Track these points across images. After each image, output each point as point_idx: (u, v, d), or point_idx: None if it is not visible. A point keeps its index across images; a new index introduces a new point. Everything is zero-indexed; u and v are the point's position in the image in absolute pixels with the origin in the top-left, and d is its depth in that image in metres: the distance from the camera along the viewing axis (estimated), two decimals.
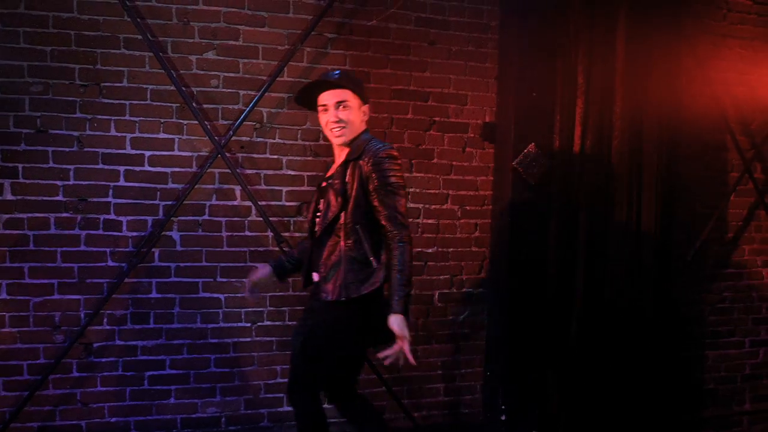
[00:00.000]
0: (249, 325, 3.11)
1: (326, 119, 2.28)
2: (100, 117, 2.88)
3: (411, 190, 3.25)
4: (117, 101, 2.89)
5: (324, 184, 2.32)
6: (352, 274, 2.20)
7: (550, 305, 3.20)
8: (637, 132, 3.20)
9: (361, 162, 2.21)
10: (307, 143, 3.12)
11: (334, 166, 2.35)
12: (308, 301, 2.49)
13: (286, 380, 3.08)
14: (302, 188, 3.12)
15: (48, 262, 2.86)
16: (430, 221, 3.29)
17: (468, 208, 3.34)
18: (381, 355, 2.22)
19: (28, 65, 2.79)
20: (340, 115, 2.26)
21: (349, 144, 2.29)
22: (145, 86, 2.92)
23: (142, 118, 2.93)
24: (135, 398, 3.00)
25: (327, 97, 2.28)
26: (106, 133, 2.90)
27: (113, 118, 2.90)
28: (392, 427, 3.27)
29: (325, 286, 2.23)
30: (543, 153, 3.12)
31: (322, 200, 2.30)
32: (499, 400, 3.25)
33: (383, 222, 2.19)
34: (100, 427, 2.97)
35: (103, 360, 2.95)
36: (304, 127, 3.11)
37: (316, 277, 2.33)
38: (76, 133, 2.86)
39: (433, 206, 3.30)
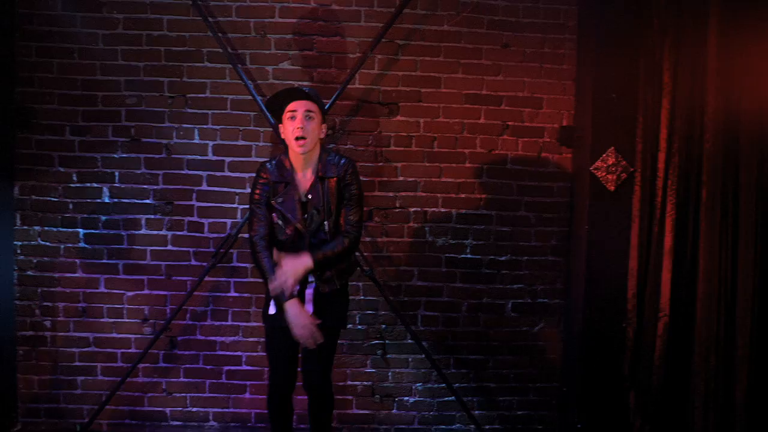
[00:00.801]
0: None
1: (293, 126, 2.39)
2: (185, 126, 3.11)
3: (483, 196, 3.19)
4: (200, 111, 3.10)
5: (303, 199, 2.45)
6: (344, 267, 2.55)
7: (631, 320, 3.00)
8: (733, 133, 2.91)
9: (333, 180, 2.46)
10: (378, 149, 3.16)
11: (303, 180, 2.47)
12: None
13: (359, 382, 3.21)
14: (374, 193, 3.15)
15: (140, 260, 3.13)
16: (503, 228, 3.20)
17: (544, 215, 3.21)
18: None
19: (124, 80, 3.07)
20: (306, 125, 2.39)
21: (308, 154, 2.44)
22: (225, 96, 3.10)
23: (223, 127, 3.12)
24: (213, 390, 3.19)
25: (297, 105, 2.40)
26: (191, 141, 3.11)
27: (197, 126, 3.11)
28: None
29: (323, 282, 2.49)
30: (623, 157, 2.93)
31: (307, 213, 2.45)
32: (575, 418, 3.09)
33: (345, 224, 2.49)
34: (182, 415, 3.18)
35: (186, 353, 3.17)
36: (375, 132, 3.15)
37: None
38: (164, 141, 3.11)
39: (506, 213, 3.20)
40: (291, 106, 2.40)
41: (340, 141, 3.13)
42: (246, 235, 3.11)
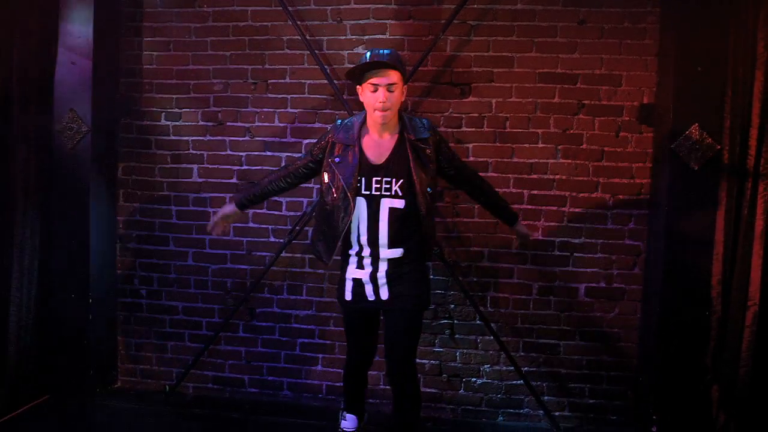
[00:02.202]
0: None
1: (375, 99, 2.32)
2: (266, 110, 3.30)
3: (557, 177, 3.12)
4: (280, 96, 3.28)
5: (377, 162, 2.38)
6: (426, 242, 2.50)
7: (715, 309, 2.81)
8: None
9: (430, 140, 2.42)
10: (450, 129, 3.17)
11: (379, 143, 2.40)
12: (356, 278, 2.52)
13: (427, 361, 3.23)
14: None
15: (223, 236, 3.33)
16: (577, 210, 3.11)
17: (621, 197, 3.08)
18: None
19: (213, 68, 3.31)
20: (389, 98, 2.33)
21: (389, 125, 2.40)
22: (303, 81, 3.26)
23: (300, 110, 3.28)
24: (288, 361, 3.35)
25: (380, 78, 2.32)
26: (271, 124, 3.30)
27: (277, 110, 3.29)
28: (529, 425, 3.17)
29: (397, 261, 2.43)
30: (708, 134, 2.76)
31: (387, 178, 2.37)
32: (650, 410, 2.94)
33: (469, 174, 2.62)
34: (258, 384, 3.37)
35: (264, 324, 3.35)
36: (446, 113, 3.18)
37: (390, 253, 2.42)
38: (247, 125, 3.31)
39: (581, 194, 3.11)
40: (373, 79, 2.31)
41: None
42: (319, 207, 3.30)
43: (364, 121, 2.45)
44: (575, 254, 3.13)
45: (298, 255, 3.30)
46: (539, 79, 3.11)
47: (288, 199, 3.29)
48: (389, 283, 2.43)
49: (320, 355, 3.33)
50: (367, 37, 3.20)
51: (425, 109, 3.18)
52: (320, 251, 2.53)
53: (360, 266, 2.46)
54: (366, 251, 2.43)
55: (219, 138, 3.33)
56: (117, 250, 3.44)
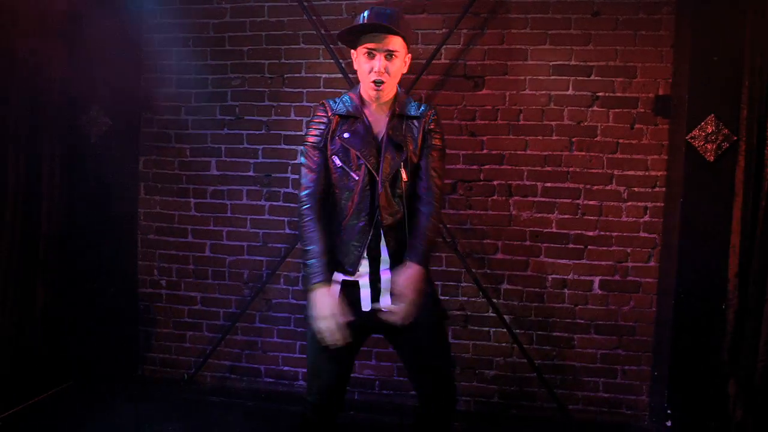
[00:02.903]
0: None
1: (370, 67, 1.95)
2: (283, 104, 3.35)
3: (571, 169, 3.11)
4: (296, 90, 3.33)
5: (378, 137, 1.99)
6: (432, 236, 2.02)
7: (732, 302, 2.76)
8: None
9: (419, 119, 2.03)
10: (462, 122, 3.18)
11: (376, 115, 2.02)
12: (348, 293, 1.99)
13: None
14: (458, 166, 3.18)
15: (240, 228, 3.42)
16: (591, 203, 3.09)
17: (636, 189, 3.05)
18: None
19: (230, 63, 3.38)
20: (389, 67, 1.94)
21: (386, 100, 2.02)
22: (319, 75, 3.30)
23: (316, 104, 3.29)
24: (303, 352, 3.38)
25: (377, 43, 1.92)
26: (287, 118, 3.35)
27: (293, 104, 3.34)
28: (542, 418, 3.16)
29: (410, 258, 1.96)
30: (725, 125, 2.72)
31: (382, 159, 1.96)
32: (665, 404, 2.91)
33: (429, 183, 2.02)
34: (274, 373, 3.42)
35: (279, 315, 3.40)
36: (459, 106, 3.19)
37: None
38: (264, 119, 3.37)
39: (595, 187, 3.09)
40: (369, 44, 1.93)
41: None
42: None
43: (359, 93, 2.07)
44: (589, 247, 3.11)
45: None
46: (553, 71, 3.10)
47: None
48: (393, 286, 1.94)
49: None
50: None
51: (438, 102, 3.19)
52: (343, 263, 1.98)
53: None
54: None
55: (236, 132, 3.39)
56: (138, 242, 3.53)
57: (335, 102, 2.06)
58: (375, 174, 1.95)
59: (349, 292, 1.97)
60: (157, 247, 3.51)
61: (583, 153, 3.10)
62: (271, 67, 3.34)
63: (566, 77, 3.09)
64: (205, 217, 3.45)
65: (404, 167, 1.98)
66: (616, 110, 3.06)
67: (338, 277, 2.00)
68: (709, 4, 2.78)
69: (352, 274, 1.98)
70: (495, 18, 3.12)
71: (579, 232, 3.11)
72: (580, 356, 3.14)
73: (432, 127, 2.05)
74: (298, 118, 3.33)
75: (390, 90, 2.01)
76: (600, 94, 3.07)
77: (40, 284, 3.27)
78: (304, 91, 3.32)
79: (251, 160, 3.39)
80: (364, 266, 1.99)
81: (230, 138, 3.41)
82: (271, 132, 3.36)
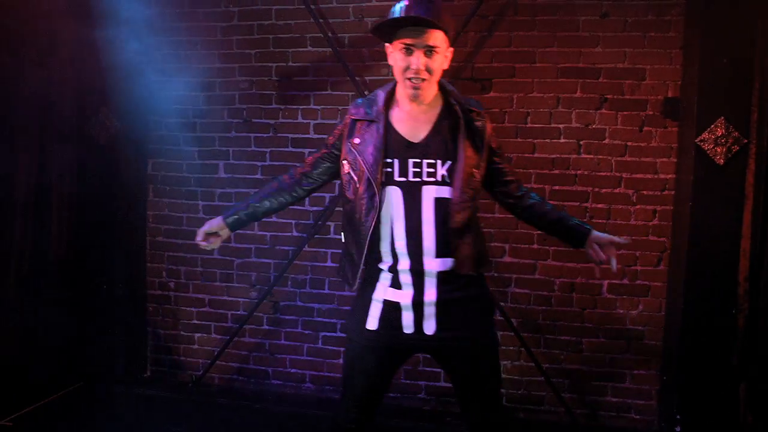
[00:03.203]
0: None
1: (407, 64, 1.76)
2: (290, 107, 3.35)
3: (579, 172, 3.09)
4: (303, 93, 3.33)
5: (412, 141, 1.81)
6: (481, 245, 1.90)
7: (742, 306, 2.74)
8: None
9: (479, 120, 1.86)
10: None
11: (411, 115, 1.84)
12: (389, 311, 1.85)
13: None
14: None
15: (248, 230, 3.41)
16: (599, 206, 3.07)
17: (645, 192, 3.03)
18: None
19: (238, 66, 3.39)
20: (429, 64, 1.75)
21: (425, 98, 1.83)
22: (326, 78, 3.30)
23: (323, 107, 3.32)
24: (311, 354, 3.40)
25: (416, 38, 1.74)
26: (295, 121, 3.35)
27: (301, 107, 3.34)
28: (549, 422, 3.15)
29: (457, 267, 1.81)
30: (735, 128, 2.70)
31: (429, 159, 1.79)
32: (674, 410, 2.89)
33: (514, 181, 1.96)
34: (282, 375, 3.43)
35: (287, 317, 3.41)
36: None
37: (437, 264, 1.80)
38: (271, 122, 3.38)
39: (604, 190, 3.07)
40: (406, 38, 1.74)
41: None
42: (341, 209, 3.34)
43: (392, 91, 1.90)
44: None
45: (321, 249, 3.34)
46: (561, 73, 3.08)
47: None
48: (440, 311, 1.80)
49: (342, 349, 3.34)
50: None
51: None
52: (346, 271, 1.91)
53: (396, 285, 1.83)
54: (404, 263, 1.81)
55: (244, 134, 3.41)
56: (147, 244, 3.55)
57: (361, 101, 1.94)
58: (374, 184, 1.78)
59: (391, 312, 1.83)
60: (166, 249, 3.53)
61: (591, 156, 3.08)
62: (279, 70, 3.35)
63: (574, 79, 3.07)
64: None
65: (467, 175, 1.80)
66: (625, 113, 3.03)
67: (379, 295, 1.85)
68: (719, 6, 2.76)
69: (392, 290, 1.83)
70: (502, 20, 3.11)
71: None
72: (588, 360, 3.12)
73: (490, 131, 1.89)
74: (305, 121, 3.33)
75: (430, 89, 1.82)
76: (608, 96, 3.04)
77: (51, 286, 3.30)
78: (312, 94, 3.33)
79: (259, 163, 3.40)
80: (407, 286, 1.81)
81: (238, 141, 3.42)
82: (279, 135, 3.37)
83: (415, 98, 1.81)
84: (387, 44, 1.86)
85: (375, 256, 1.84)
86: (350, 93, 3.26)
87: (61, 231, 3.32)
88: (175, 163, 3.49)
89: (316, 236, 3.30)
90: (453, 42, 1.86)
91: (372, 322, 1.84)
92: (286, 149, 3.37)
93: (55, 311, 3.30)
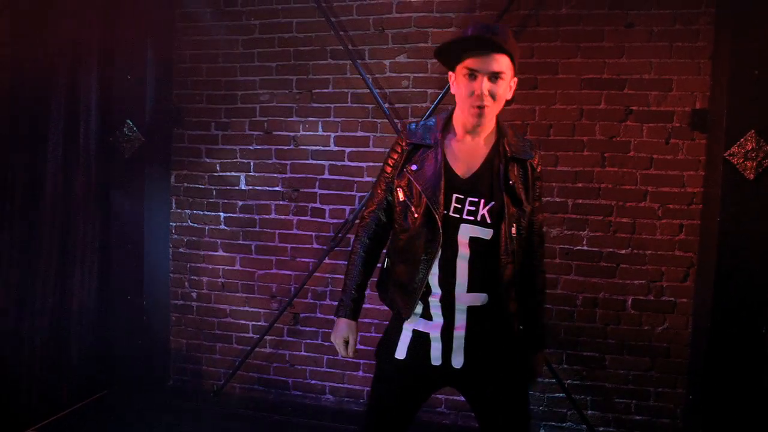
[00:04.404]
0: None
1: (470, 89, 1.71)
2: (310, 119, 3.36)
3: (602, 185, 3.02)
4: (324, 105, 3.33)
5: (465, 176, 1.78)
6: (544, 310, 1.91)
7: None
8: None
9: (529, 161, 1.80)
10: None
11: (465, 147, 1.81)
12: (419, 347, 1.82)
13: None
14: None
15: (269, 242, 3.45)
16: (624, 220, 3.01)
17: (671, 206, 2.95)
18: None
19: (259, 79, 3.41)
20: (493, 90, 1.70)
21: (485, 128, 1.79)
22: (346, 90, 3.30)
23: (343, 119, 3.32)
24: (330, 366, 3.40)
25: (481, 63, 1.68)
26: (315, 133, 3.36)
27: (321, 119, 3.35)
28: None
29: (490, 303, 1.77)
30: (766, 142, 2.60)
31: (472, 198, 1.75)
32: (700, 430, 2.81)
33: (536, 237, 1.87)
34: (301, 386, 3.44)
35: (307, 329, 3.42)
36: None
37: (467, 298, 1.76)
38: (292, 134, 3.39)
39: (628, 204, 3.00)
40: (471, 62, 1.69)
41: None
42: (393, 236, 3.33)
43: (449, 119, 1.86)
44: (621, 265, 3.02)
45: (341, 262, 3.34)
46: (584, 85, 3.02)
47: (331, 206, 3.35)
48: (468, 345, 1.77)
49: (361, 361, 3.36)
50: (408, 45, 3.20)
51: None
52: (397, 302, 1.84)
53: (427, 316, 1.81)
54: (435, 294, 1.79)
55: (265, 147, 3.43)
56: (170, 255, 3.60)
57: (415, 126, 1.88)
58: (435, 213, 1.73)
59: (420, 343, 1.81)
60: (188, 260, 3.58)
61: (616, 169, 3.01)
62: (300, 83, 3.36)
63: (598, 91, 3.01)
64: (234, 231, 3.50)
65: (511, 218, 1.74)
66: (651, 125, 2.96)
67: (409, 324, 1.83)
68: (749, 15, 2.66)
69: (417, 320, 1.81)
70: (524, 31, 3.06)
71: (611, 250, 3.03)
72: (611, 377, 3.06)
73: (539, 173, 1.84)
74: (325, 134, 3.33)
75: (492, 118, 1.78)
76: (634, 108, 2.98)
77: (76, 296, 3.36)
78: (332, 106, 3.33)
79: (279, 175, 3.42)
80: (438, 317, 1.79)
81: (259, 153, 3.44)
82: (300, 147, 3.38)
83: (476, 125, 1.76)
84: (450, 72, 1.82)
85: (409, 285, 1.81)
86: (371, 105, 3.26)
87: (86, 241, 3.38)
88: (197, 175, 3.53)
89: (336, 248, 3.30)
90: (518, 71, 1.80)
91: (401, 352, 1.83)
92: (307, 161, 3.37)
93: (79, 321, 3.37)
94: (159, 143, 3.46)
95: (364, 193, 3.27)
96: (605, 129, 3.02)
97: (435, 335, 1.78)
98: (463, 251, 1.75)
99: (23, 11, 2.95)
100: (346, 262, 3.28)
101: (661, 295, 3.00)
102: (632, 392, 3.04)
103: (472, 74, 1.71)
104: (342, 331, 1.94)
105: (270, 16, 3.37)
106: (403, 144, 1.85)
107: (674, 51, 2.92)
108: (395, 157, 1.87)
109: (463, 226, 1.75)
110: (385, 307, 1.95)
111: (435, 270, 1.76)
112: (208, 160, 3.51)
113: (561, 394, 3.07)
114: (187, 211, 3.56)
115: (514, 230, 1.75)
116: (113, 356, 3.46)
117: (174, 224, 3.59)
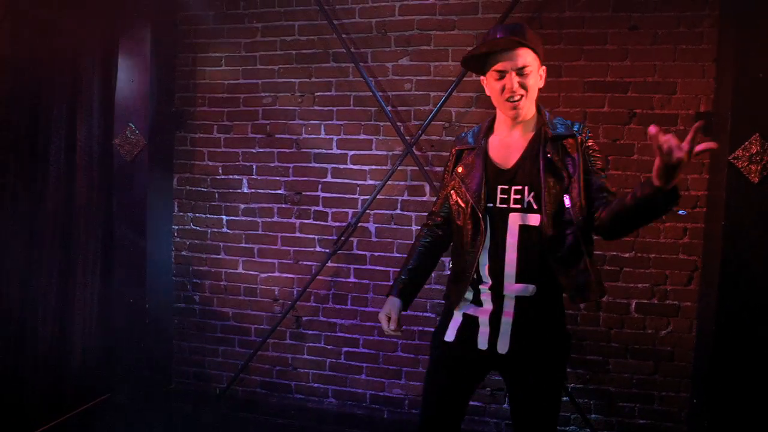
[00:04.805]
0: (434, 315, 3.26)
1: (501, 86, 1.84)
2: (313, 122, 3.35)
3: None
4: (326, 108, 3.33)
5: (505, 167, 1.87)
6: (583, 276, 1.82)
7: None
8: None
9: (571, 140, 1.84)
10: None
11: (508, 142, 1.91)
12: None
13: None
14: None
15: (271, 245, 3.44)
16: None
17: (675, 209, 2.95)
18: None
19: (261, 82, 3.40)
20: (523, 82, 1.82)
21: (525, 120, 1.89)
22: (348, 93, 3.29)
23: (346, 122, 3.31)
24: (333, 369, 3.40)
25: (507, 62, 1.81)
26: (317, 136, 3.35)
27: (323, 123, 3.34)
28: None
29: (539, 294, 1.83)
30: None
31: (516, 186, 1.83)
32: None
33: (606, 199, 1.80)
34: (304, 390, 3.44)
35: (309, 332, 3.41)
36: None
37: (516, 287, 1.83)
38: (295, 137, 3.38)
39: None
40: (497, 65, 1.82)
41: (457, 133, 3.17)
42: (366, 224, 3.33)
43: (492, 121, 2.00)
44: (625, 269, 3.01)
45: (344, 265, 3.34)
46: (587, 88, 3.01)
47: (334, 210, 3.34)
48: (515, 331, 1.83)
49: (364, 365, 3.36)
50: (411, 48, 3.19)
51: (470, 120, 3.14)
52: (450, 291, 1.98)
53: (477, 302, 1.90)
54: (485, 283, 1.88)
55: (267, 150, 3.42)
56: (172, 258, 3.60)
57: (465, 134, 2.06)
58: (478, 209, 1.85)
59: (469, 326, 1.90)
60: (191, 263, 3.57)
61: (620, 172, 3.00)
62: (302, 86, 3.35)
63: (602, 94, 3.00)
64: (236, 234, 3.49)
65: (556, 197, 1.80)
66: None
67: (459, 311, 1.94)
68: (754, 18, 2.65)
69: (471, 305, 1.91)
70: None
71: (614, 253, 3.02)
72: (615, 381, 3.05)
73: (590, 144, 1.86)
74: (328, 137, 3.33)
75: (529, 107, 1.88)
76: (637, 110, 2.96)
77: (78, 299, 3.37)
78: (335, 109, 3.32)
79: (282, 179, 3.41)
80: (487, 303, 1.88)
81: (261, 156, 3.43)
82: (302, 150, 3.37)
83: (515, 117, 1.87)
84: (482, 77, 1.94)
85: (463, 272, 1.92)
86: (373, 108, 3.25)
87: (88, 244, 3.37)
88: (199, 177, 3.53)
89: (339, 252, 3.30)
90: (544, 61, 1.90)
91: (450, 335, 1.94)
92: (309, 164, 3.37)
93: (82, 325, 3.37)
94: (161, 146, 3.46)
95: (367, 196, 3.27)
96: (609, 132, 3.01)
97: (483, 319, 1.88)
98: (512, 240, 1.83)
99: (24, 16, 2.95)
100: (348, 266, 3.33)
101: (665, 298, 2.99)
102: (636, 396, 3.03)
103: (501, 74, 1.84)
104: (385, 306, 2.05)
105: (272, 19, 3.37)
106: (453, 151, 2.04)
107: (678, 53, 2.91)
108: (448, 164, 2.06)
109: (512, 216, 1.83)
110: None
111: (485, 260, 1.86)
112: (210, 163, 3.51)
113: (564, 398, 3.06)
114: (190, 214, 3.56)
115: (567, 205, 1.78)
116: (116, 359, 3.45)
117: (176, 227, 3.58)
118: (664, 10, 2.91)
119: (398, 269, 3.17)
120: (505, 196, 1.84)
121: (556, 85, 3.04)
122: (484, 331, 1.86)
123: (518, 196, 1.83)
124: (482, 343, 1.86)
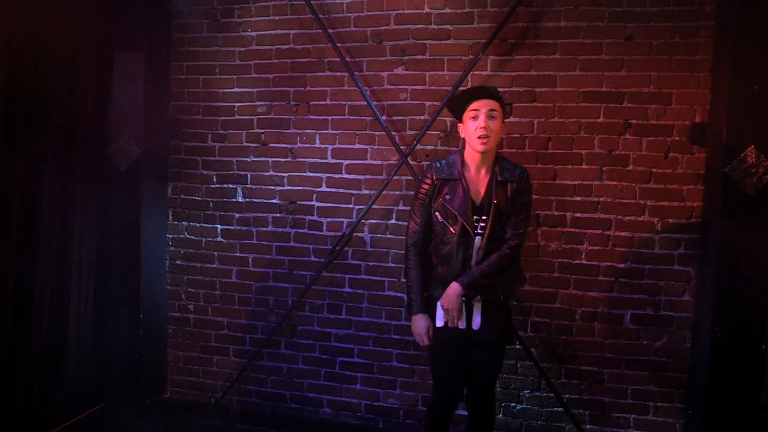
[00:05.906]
0: None
1: (476, 125, 2.37)
2: (308, 131, 3.34)
3: (601, 199, 3.01)
4: (321, 117, 3.32)
5: (475, 198, 2.44)
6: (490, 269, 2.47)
7: None
8: None
9: (516, 180, 2.44)
10: None
11: (476, 179, 2.44)
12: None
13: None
14: None
15: (266, 254, 3.43)
16: (622, 234, 2.99)
17: (670, 220, 2.94)
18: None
19: (256, 91, 3.39)
20: (489, 124, 2.36)
21: (487, 154, 2.42)
22: (343, 103, 3.28)
23: (341, 131, 3.30)
24: (328, 379, 3.39)
25: (480, 104, 2.38)
26: (312, 145, 3.34)
27: (318, 132, 3.33)
28: None
29: (493, 290, 2.47)
30: (766, 157, 2.59)
31: (483, 216, 2.41)
32: None
33: (515, 231, 2.45)
34: (299, 399, 3.43)
35: (304, 342, 3.41)
36: None
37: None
38: (289, 146, 3.37)
39: (627, 218, 2.98)
40: (474, 105, 2.39)
41: (452, 143, 3.16)
42: (361, 234, 3.32)
43: (462, 157, 2.48)
44: (620, 279, 3.01)
45: (339, 275, 3.33)
46: (583, 98, 3.00)
47: (328, 219, 3.33)
48: (483, 310, 2.46)
49: (359, 374, 3.35)
50: (406, 57, 3.18)
51: None
52: (437, 291, 2.48)
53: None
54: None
55: (262, 159, 3.41)
56: (167, 267, 3.58)
57: (440, 164, 2.49)
58: (469, 228, 2.40)
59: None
60: (185, 272, 3.56)
61: (615, 182, 3.00)
62: (297, 95, 3.34)
63: (597, 104, 2.99)
64: (231, 244, 3.48)
65: (500, 223, 2.43)
66: (650, 138, 2.94)
67: (440, 303, 2.48)
68: (750, 29, 2.65)
69: None
70: (523, 44, 3.04)
71: (609, 264, 3.02)
72: (609, 391, 3.05)
73: (524, 188, 2.46)
74: (323, 146, 3.32)
75: (492, 145, 2.40)
76: (633, 121, 2.96)
77: (73, 309, 3.35)
78: (329, 118, 3.31)
79: (277, 188, 3.40)
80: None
81: (256, 165, 3.42)
82: (297, 159, 3.36)
83: (483, 152, 2.40)
84: (459, 123, 2.48)
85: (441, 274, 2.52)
86: (368, 118, 3.24)
87: (82, 253, 3.36)
88: (194, 186, 3.51)
89: (333, 261, 3.29)
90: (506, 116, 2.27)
91: (439, 321, 2.49)
92: (304, 174, 3.35)
93: (76, 334, 3.35)
94: (155, 155, 3.45)
95: (362, 206, 3.26)
96: (604, 142, 3.00)
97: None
98: (474, 257, 2.46)
99: (18, 25, 2.93)
100: (343, 275, 3.32)
101: (660, 309, 2.98)
102: (631, 407, 3.03)
103: (476, 114, 2.39)
104: (419, 324, 2.51)
105: (267, 28, 3.35)
106: (434, 178, 2.48)
107: (674, 64, 2.90)
108: (426, 188, 2.50)
109: (476, 239, 2.44)
110: None
111: (462, 266, 2.48)
112: (204, 172, 3.49)
113: (559, 409, 3.06)
114: (184, 223, 3.54)
115: (497, 233, 2.45)
116: (111, 369, 3.44)
117: (171, 236, 3.57)
118: (659, 21, 2.91)
119: (394, 279, 3.20)
120: (476, 224, 2.43)
121: (552, 96, 3.03)
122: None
123: (483, 224, 2.42)
124: (461, 324, 2.47)
